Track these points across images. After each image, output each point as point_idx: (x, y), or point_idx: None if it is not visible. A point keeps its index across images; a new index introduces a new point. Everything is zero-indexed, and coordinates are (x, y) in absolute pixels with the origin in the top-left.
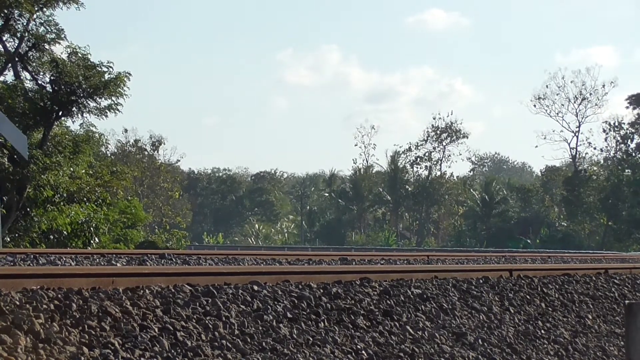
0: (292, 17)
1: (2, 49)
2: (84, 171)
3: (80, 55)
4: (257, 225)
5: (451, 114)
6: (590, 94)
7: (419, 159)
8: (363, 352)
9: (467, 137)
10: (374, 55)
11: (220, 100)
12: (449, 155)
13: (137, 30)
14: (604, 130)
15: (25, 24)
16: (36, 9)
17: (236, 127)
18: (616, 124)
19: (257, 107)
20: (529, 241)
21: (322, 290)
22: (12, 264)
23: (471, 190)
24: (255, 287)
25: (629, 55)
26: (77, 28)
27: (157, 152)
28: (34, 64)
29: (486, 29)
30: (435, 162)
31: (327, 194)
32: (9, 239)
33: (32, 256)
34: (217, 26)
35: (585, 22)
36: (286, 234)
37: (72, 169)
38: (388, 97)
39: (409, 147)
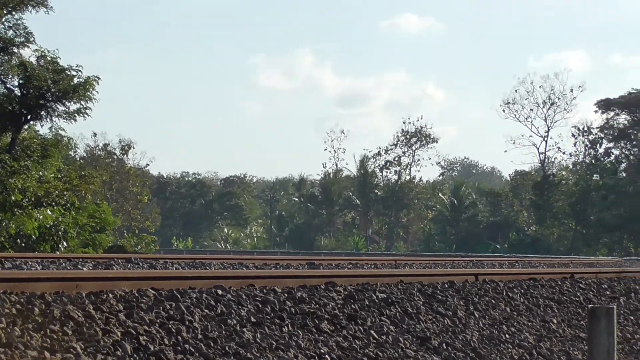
0: (266, 21)
1: None
2: (52, 175)
3: (49, 59)
4: (226, 230)
5: (421, 119)
6: (559, 99)
7: (388, 164)
8: (327, 356)
9: (437, 142)
10: (347, 59)
11: (193, 105)
12: (419, 159)
13: (107, 35)
14: (573, 135)
15: None
16: (5, 12)
17: (208, 131)
18: (585, 128)
19: (230, 111)
20: (497, 246)
21: (286, 295)
22: None
23: (440, 194)
24: (220, 292)
25: (601, 59)
26: (47, 32)
27: (127, 156)
28: (2, 67)
29: (460, 34)
30: (404, 167)
31: (296, 199)
32: None
33: None
34: (190, 30)
35: (558, 27)
36: (255, 239)
37: (40, 173)
38: (361, 101)
39: (378, 152)
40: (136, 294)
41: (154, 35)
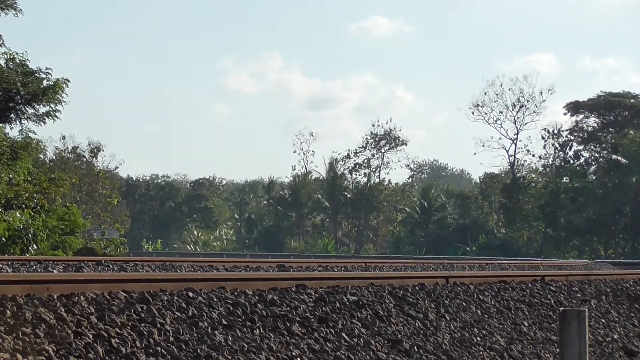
0: (234, 23)
1: None
2: (22, 178)
3: (18, 61)
4: (195, 232)
5: (390, 121)
6: (528, 101)
7: (357, 166)
8: (298, 358)
9: (406, 144)
10: (316, 62)
11: (161, 107)
12: (388, 162)
13: (76, 37)
14: (543, 138)
15: None
16: None
17: (177, 133)
18: (555, 131)
19: (198, 113)
20: (467, 248)
21: (257, 297)
22: None
23: (410, 196)
24: (191, 294)
25: (570, 62)
26: (16, 34)
27: (96, 158)
28: None
29: (429, 37)
30: (373, 169)
31: (265, 201)
32: None
33: None
34: (158, 32)
35: (527, 30)
36: (225, 241)
37: (10, 176)
38: (330, 103)
39: (348, 154)
40: (107, 297)
41: (123, 37)
